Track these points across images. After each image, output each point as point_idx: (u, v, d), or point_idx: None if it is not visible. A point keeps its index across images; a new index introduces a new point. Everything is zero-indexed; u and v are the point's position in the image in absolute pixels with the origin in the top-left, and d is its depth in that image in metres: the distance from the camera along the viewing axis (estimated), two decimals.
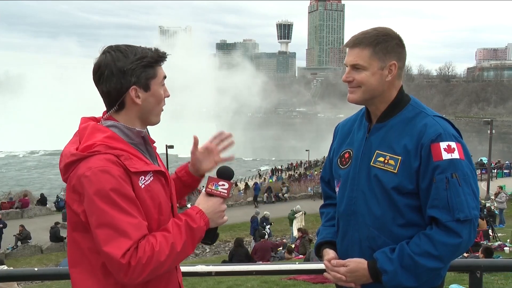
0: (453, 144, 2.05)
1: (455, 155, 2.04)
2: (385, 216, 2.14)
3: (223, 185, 2.08)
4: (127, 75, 1.90)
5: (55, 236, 23.85)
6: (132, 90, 1.92)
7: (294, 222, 23.70)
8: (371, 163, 2.18)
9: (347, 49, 2.20)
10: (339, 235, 2.35)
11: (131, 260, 1.75)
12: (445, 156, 2.03)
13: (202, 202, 2.06)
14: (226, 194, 2.08)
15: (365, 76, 2.14)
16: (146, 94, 1.95)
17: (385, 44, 2.14)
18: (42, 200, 33.45)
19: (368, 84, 2.15)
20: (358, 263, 2.17)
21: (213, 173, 2.21)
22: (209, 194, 2.07)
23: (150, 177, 1.92)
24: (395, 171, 2.10)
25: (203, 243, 2.09)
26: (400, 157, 2.10)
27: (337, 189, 2.38)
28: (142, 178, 1.88)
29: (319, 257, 2.44)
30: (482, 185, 31.14)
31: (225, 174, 2.13)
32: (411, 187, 2.09)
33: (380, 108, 2.22)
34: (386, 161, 2.13)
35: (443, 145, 2.04)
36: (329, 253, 2.33)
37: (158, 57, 1.97)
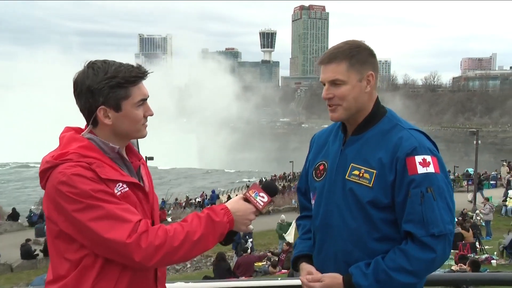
0: (428, 158, 2.08)
1: (430, 169, 2.06)
2: (360, 230, 2.16)
3: (263, 197, 2.11)
4: (94, 94, 1.90)
5: (26, 253, 23.01)
6: (100, 110, 1.92)
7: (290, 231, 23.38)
8: (346, 177, 2.20)
9: (322, 67, 2.22)
10: (315, 248, 2.37)
11: (141, 242, 1.79)
12: (420, 170, 2.05)
13: (233, 203, 2.08)
14: (261, 206, 2.10)
15: (345, 90, 2.17)
16: (117, 114, 1.95)
17: (359, 55, 2.17)
18: (14, 215, 32.80)
19: (349, 98, 2.17)
20: (333, 278, 2.18)
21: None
22: (245, 199, 2.10)
23: (126, 187, 1.93)
24: (370, 185, 2.13)
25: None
26: (375, 171, 2.13)
27: (313, 201, 2.40)
28: (119, 185, 1.91)
29: (297, 271, 2.45)
30: (469, 196, 31.43)
31: (270, 188, 2.16)
32: (386, 201, 2.11)
33: (356, 120, 2.24)
34: (361, 174, 2.16)
35: (418, 158, 2.06)
36: (305, 268, 2.35)
37: (132, 77, 1.94)
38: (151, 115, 2.05)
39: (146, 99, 2.02)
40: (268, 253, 20.11)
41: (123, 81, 1.92)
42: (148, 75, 2.01)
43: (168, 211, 36.66)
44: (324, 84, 2.23)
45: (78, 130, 2.03)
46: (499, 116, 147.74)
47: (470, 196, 31.15)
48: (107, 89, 1.91)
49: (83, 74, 1.93)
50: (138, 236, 1.80)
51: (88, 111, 1.96)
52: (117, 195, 1.89)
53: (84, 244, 1.86)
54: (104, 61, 1.96)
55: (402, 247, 2.08)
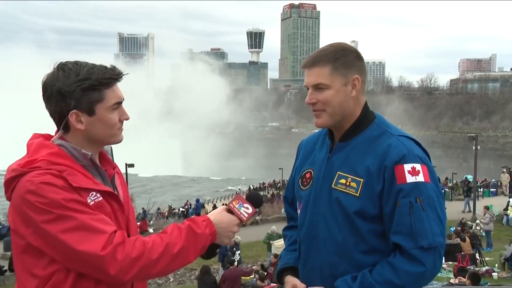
0: (418, 166, 2.08)
1: (420, 178, 2.06)
2: (346, 242, 2.16)
3: (248, 208, 2.11)
4: (66, 98, 1.88)
5: None
6: (72, 115, 1.90)
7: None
8: (332, 185, 2.20)
9: (306, 70, 2.23)
10: (300, 260, 2.38)
11: (117, 254, 1.77)
12: (409, 179, 2.06)
13: (216, 214, 2.07)
14: (245, 218, 2.10)
15: (329, 95, 2.17)
16: (90, 118, 1.93)
17: (344, 58, 2.17)
18: None
19: (333, 103, 2.17)
20: None
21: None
22: (229, 211, 2.10)
23: (99, 197, 1.91)
24: (357, 195, 2.13)
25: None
26: (362, 180, 2.13)
27: (299, 211, 2.40)
28: (92, 194, 1.88)
29: (281, 283, 2.45)
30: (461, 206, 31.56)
31: (255, 199, 2.17)
32: (374, 211, 2.11)
33: (343, 126, 2.24)
34: (348, 183, 2.16)
35: (407, 167, 2.07)
36: (289, 281, 2.36)
37: (105, 79, 1.92)
38: (127, 119, 2.03)
39: (121, 102, 2.01)
40: (253, 267, 20.03)
41: (97, 83, 1.90)
42: (123, 76, 1.99)
43: (149, 221, 36.50)
44: (308, 89, 2.23)
45: (47, 137, 2.00)
46: (499, 120, 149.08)
47: (462, 205, 31.22)
48: (79, 92, 1.88)
49: (53, 76, 1.90)
50: (114, 248, 1.77)
51: (58, 115, 1.93)
52: (90, 204, 1.85)
53: (55, 258, 1.82)
54: (76, 62, 1.93)
55: (390, 260, 2.08)
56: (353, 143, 2.22)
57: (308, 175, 2.35)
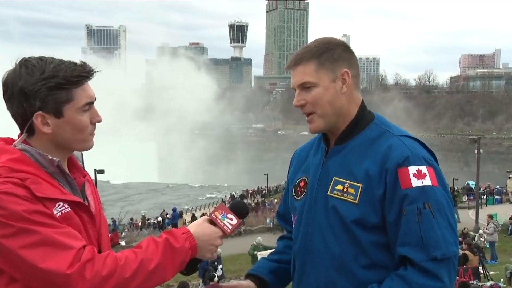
0: (423, 169, 2.03)
1: (427, 181, 2.01)
2: (345, 255, 2.12)
3: (231, 219, 2.08)
4: (30, 98, 1.83)
5: None
6: (37, 117, 1.85)
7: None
8: (328, 192, 2.17)
9: (291, 71, 2.22)
10: (294, 277, 2.35)
11: (85, 272, 1.73)
12: (415, 183, 2.00)
13: (197, 226, 2.04)
14: (229, 230, 2.06)
15: (317, 93, 2.15)
16: (58, 121, 1.88)
17: (329, 52, 2.15)
18: None
19: (322, 103, 2.15)
20: None
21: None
22: (211, 222, 2.07)
23: (67, 208, 1.86)
24: (356, 201, 2.08)
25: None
26: (361, 185, 2.08)
27: (293, 224, 2.37)
28: (59, 205, 1.84)
29: None
30: (470, 214, 31.67)
31: (239, 209, 2.14)
32: (375, 220, 2.06)
33: (339, 128, 2.22)
34: (345, 189, 2.12)
35: (411, 169, 2.01)
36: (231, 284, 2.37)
37: (74, 77, 1.88)
38: (100, 121, 1.99)
39: (93, 103, 1.96)
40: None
41: (64, 82, 1.85)
42: (94, 74, 1.95)
43: (121, 233, 36.31)
44: (296, 90, 2.22)
45: (8, 141, 1.95)
46: (503, 121, 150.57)
47: (464, 214, 31.40)
48: (45, 92, 1.83)
49: (14, 73, 1.85)
50: (82, 266, 1.73)
51: (21, 117, 1.88)
52: (56, 216, 1.81)
53: (15, 277, 1.78)
54: (41, 58, 1.88)
55: (401, 273, 2.00)
56: (350, 146, 2.18)
57: (302, 184, 2.33)
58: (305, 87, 2.16)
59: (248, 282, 2.38)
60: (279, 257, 2.50)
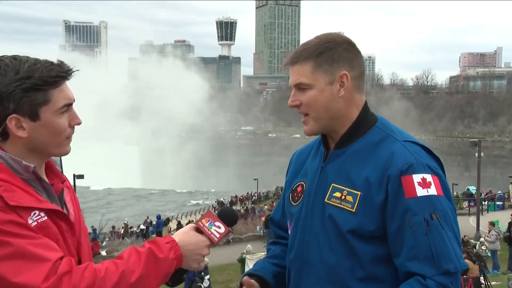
0: (428, 177, 2.00)
1: (432, 190, 1.98)
2: (340, 267, 2.09)
3: (219, 227, 2.06)
4: (3, 100, 1.81)
5: None
6: (11, 120, 1.83)
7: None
8: (326, 199, 2.15)
9: (290, 68, 2.20)
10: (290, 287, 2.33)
11: (62, 286, 1.70)
12: (420, 192, 1.97)
13: (183, 234, 2.02)
14: (216, 239, 2.05)
15: (312, 95, 2.13)
16: (34, 124, 1.86)
17: (329, 52, 2.12)
18: None
19: (317, 106, 2.13)
20: None
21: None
22: (198, 230, 2.05)
23: (43, 216, 1.83)
24: (353, 210, 2.06)
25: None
26: (359, 192, 2.06)
27: (290, 232, 2.35)
28: (34, 214, 1.81)
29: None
30: (471, 221, 31.68)
31: (228, 217, 2.12)
32: (373, 230, 2.04)
33: (338, 132, 2.20)
34: (343, 197, 2.10)
35: (416, 178, 1.99)
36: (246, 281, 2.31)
37: (51, 77, 1.85)
38: (79, 123, 1.97)
39: (71, 104, 1.94)
40: None
41: (40, 83, 1.83)
42: (72, 74, 1.93)
43: (102, 242, 36.19)
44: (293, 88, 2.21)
45: None
46: (505, 123, 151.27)
47: (464, 221, 31.47)
48: (19, 93, 1.81)
49: None
50: (58, 279, 1.70)
51: None
52: (31, 226, 1.78)
53: None
54: (14, 57, 1.86)
55: (411, 282, 1.97)
56: (350, 150, 2.16)
57: (299, 189, 2.31)
58: (300, 87, 2.15)
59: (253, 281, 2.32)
60: (279, 262, 2.44)
